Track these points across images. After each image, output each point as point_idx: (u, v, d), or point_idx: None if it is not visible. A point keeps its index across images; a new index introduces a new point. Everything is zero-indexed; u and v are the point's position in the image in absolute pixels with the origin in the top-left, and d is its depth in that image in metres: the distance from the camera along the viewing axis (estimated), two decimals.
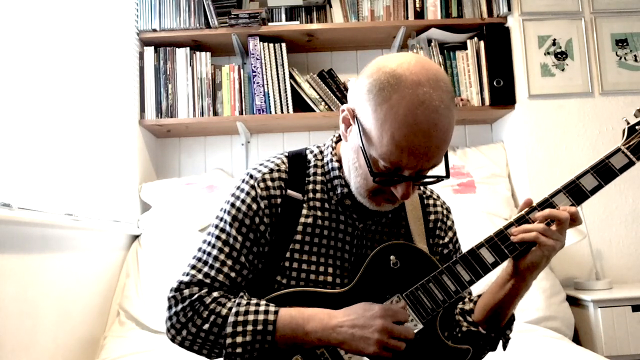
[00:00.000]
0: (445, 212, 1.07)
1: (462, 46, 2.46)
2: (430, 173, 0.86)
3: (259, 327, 0.85)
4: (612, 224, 2.27)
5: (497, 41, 2.40)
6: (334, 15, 2.49)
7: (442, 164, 0.86)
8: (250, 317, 0.86)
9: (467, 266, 0.89)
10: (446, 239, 1.05)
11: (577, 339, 1.99)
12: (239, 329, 0.85)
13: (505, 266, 0.93)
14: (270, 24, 2.43)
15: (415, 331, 0.87)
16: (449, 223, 1.07)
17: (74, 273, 1.69)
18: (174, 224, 2.18)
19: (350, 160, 0.91)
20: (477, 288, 0.98)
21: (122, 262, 2.12)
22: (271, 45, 2.40)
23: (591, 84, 2.34)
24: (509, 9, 2.38)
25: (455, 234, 1.08)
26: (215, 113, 2.40)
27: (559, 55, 2.35)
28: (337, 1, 2.50)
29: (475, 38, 2.45)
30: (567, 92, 2.33)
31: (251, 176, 0.97)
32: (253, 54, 2.38)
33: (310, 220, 0.95)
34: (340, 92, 2.45)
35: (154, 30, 2.39)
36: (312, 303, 0.89)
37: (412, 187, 0.84)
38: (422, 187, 1.07)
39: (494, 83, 2.38)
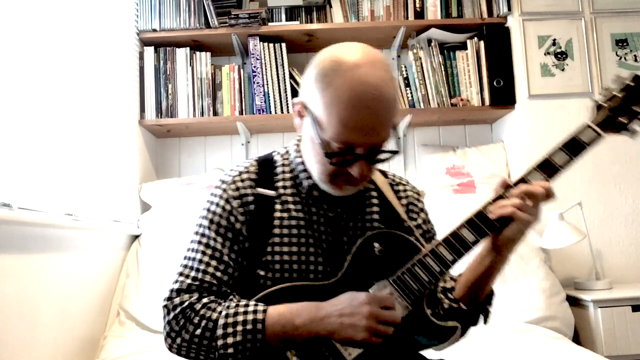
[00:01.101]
0: (415, 195, 1.11)
1: (462, 46, 2.46)
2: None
3: (249, 327, 0.87)
4: (612, 224, 2.27)
5: (497, 41, 2.40)
6: (334, 15, 2.49)
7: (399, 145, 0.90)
8: (240, 318, 0.87)
9: (450, 247, 0.92)
10: (419, 220, 1.08)
11: (577, 339, 1.99)
12: (229, 330, 0.87)
13: (484, 243, 0.96)
14: (270, 24, 2.43)
15: (403, 314, 0.89)
16: (420, 205, 1.11)
17: (74, 273, 1.69)
18: (174, 224, 2.18)
19: (308, 150, 0.96)
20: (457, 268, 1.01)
21: (122, 262, 2.12)
22: (271, 45, 2.40)
23: (591, 84, 2.34)
24: (509, 9, 2.38)
25: (427, 214, 1.12)
26: (215, 113, 2.40)
27: (559, 55, 2.35)
28: (337, 1, 2.50)
29: (475, 38, 2.45)
30: (567, 92, 2.33)
31: (222, 181, 1.01)
32: (253, 54, 2.38)
33: (285, 214, 0.98)
34: None
35: (154, 30, 2.39)
36: (303, 296, 0.91)
37: (367, 166, 0.89)
38: (396, 179, 1.12)
39: (494, 83, 2.38)
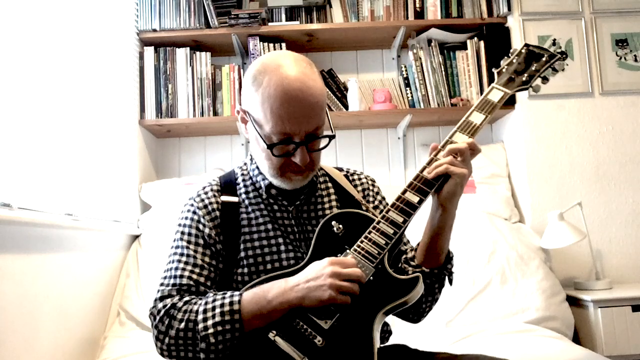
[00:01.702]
0: (370, 182, 1.22)
1: (462, 46, 2.46)
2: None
3: (226, 308, 0.92)
4: (612, 224, 2.27)
5: (497, 41, 2.40)
6: (334, 15, 2.49)
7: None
8: (218, 303, 0.93)
9: (398, 210, 1.00)
10: (376, 202, 1.19)
11: (577, 339, 1.99)
12: (209, 314, 0.92)
13: (429, 203, 1.04)
14: (270, 24, 2.43)
15: (368, 277, 0.94)
16: (375, 190, 1.21)
17: (74, 273, 1.69)
18: (174, 224, 2.17)
19: (256, 151, 1.05)
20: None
21: (122, 262, 2.12)
22: (271, 45, 2.40)
23: (591, 84, 2.34)
24: (509, 9, 2.38)
25: (383, 198, 1.22)
26: (215, 113, 2.40)
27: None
28: (337, 1, 2.50)
29: (475, 38, 2.45)
30: (567, 92, 2.34)
31: (189, 199, 1.13)
32: (253, 54, 2.38)
33: (251, 215, 1.08)
34: (340, 92, 2.45)
35: (154, 30, 2.39)
36: None
37: (307, 153, 0.98)
38: (350, 171, 1.22)
39: None
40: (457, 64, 2.44)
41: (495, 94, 1.11)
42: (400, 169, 2.59)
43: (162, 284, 1.02)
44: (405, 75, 2.45)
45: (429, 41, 2.45)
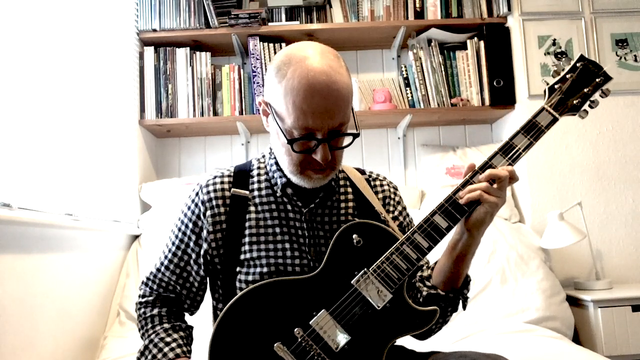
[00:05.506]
0: (392, 189, 1.16)
1: (462, 46, 2.46)
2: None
3: None
4: (612, 224, 2.27)
5: (497, 41, 2.40)
6: (334, 15, 2.49)
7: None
8: None
9: (425, 234, 0.94)
10: (396, 212, 1.12)
11: (577, 339, 1.99)
12: None
13: (456, 228, 0.99)
14: (270, 24, 2.43)
15: (385, 303, 0.91)
16: (396, 199, 1.15)
17: (74, 273, 1.69)
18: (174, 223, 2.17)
19: (277, 145, 1.00)
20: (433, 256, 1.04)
21: (122, 262, 2.12)
22: (271, 45, 2.40)
23: None
24: (509, 9, 2.38)
25: (404, 208, 1.16)
26: (215, 113, 2.40)
27: (559, 55, 2.35)
28: (337, 1, 2.50)
29: (475, 38, 2.45)
30: None
31: (197, 185, 1.10)
32: (253, 54, 2.38)
33: (260, 215, 1.03)
34: None
35: (154, 30, 2.39)
36: (286, 291, 0.94)
37: (329, 150, 0.93)
38: (372, 175, 1.16)
39: (494, 83, 2.38)
40: (457, 64, 2.44)
41: (545, 118, 0.98)
42: (400, 169, 2.59)
43: (151, 272, 1.09)
44: (405, 75, 2.45)
45: (429, 41, 2.45)
